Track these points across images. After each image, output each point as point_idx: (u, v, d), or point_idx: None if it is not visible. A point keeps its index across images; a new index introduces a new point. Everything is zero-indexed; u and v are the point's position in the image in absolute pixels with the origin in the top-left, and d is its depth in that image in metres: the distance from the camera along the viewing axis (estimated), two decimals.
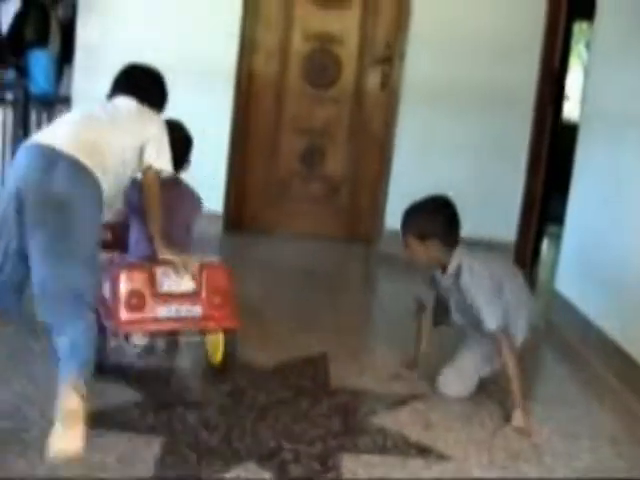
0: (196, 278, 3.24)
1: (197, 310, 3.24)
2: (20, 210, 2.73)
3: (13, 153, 4.72)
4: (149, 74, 3.51)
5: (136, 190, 3.27)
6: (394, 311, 4.75)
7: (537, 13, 5.84)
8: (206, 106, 5.61)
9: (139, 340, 3.34)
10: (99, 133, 3.00)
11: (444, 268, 3.38)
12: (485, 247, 3.95)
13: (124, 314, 3.14)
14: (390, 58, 5.96)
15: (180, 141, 3.43)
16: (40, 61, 6.48)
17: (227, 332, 3.37)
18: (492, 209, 5.91)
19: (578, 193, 4.86)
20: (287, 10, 5.97)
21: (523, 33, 5.83)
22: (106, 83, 5.49)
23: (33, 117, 5.21)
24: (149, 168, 3.12)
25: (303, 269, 5.41)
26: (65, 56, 6.72)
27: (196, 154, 4.92)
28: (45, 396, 2.98)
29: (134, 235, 3.41)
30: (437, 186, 5.73)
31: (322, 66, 6.01)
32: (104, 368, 3.14)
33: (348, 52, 6.01)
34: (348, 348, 3.96)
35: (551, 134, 6.17)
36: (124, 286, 3.13)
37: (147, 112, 3.25)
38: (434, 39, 5.76)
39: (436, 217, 3.35)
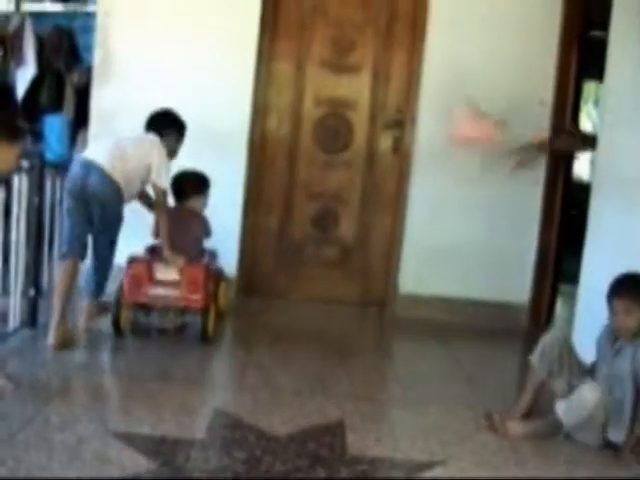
0: (181, 272, 4.74)
1: (177, 293, 4.76)
2: (76, 202, 4.61)
3: (28, 220, 4.74)
4: (162, 113, 4.99)
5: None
6: (410, 375, 4.72)
7: (547, 73, 5.88)
8: (220, 169, 5.60)
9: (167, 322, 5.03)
10: (122, 150, 4.71)
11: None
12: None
13: (128, 290, 4.78)
14: (401, 122, 6.00)
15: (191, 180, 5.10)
16: (55, 126, 6.57)
17: (202, 313, 4.79)
18: (506, 269, 5.90)
19: (592, 254, 4.85)
20: (299, 75, 6.03)
21: (533, 94, 5.86)
22: None
23: (48, 183, 5.23)
24: (154, 185, 4.77)
25: (317, 333, 5.38)
26: (79, 121, 6.79)
27: (210, 217, 5.02)
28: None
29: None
30: (450, 248, 5.83)
31: (334, 130, 6.05)
32: (120, 331, 4.80)
33: (360, 116, 6.05)
34: (365, 414, 3.92)
35: (563, 193, 6.18)
36: (130, 272, 4.78)
37: (154, 142, 4.81)
38: (444, 102, 5.80)
39: None
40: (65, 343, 4.52)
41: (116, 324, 4.81)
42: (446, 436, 3.72)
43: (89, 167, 4.57)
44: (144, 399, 3.91)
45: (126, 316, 4.87)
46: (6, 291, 4.59)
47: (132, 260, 4.85)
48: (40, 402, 3.71)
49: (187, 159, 5.13)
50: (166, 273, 4.76)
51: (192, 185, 5.04)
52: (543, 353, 3.88)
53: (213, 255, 5.18)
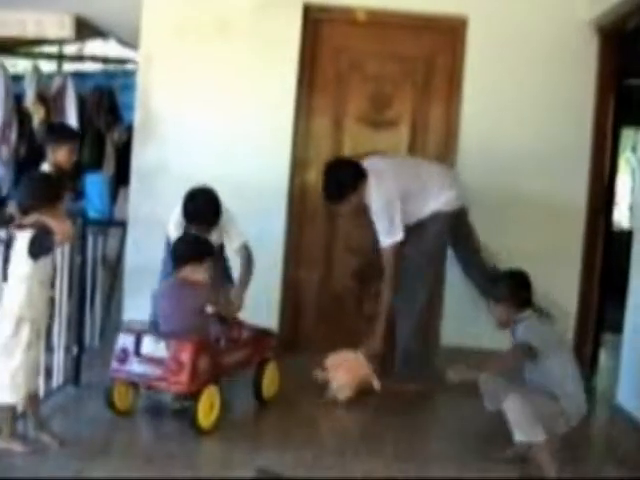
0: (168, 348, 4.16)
1: (157, 372, 4.16)
2: None
3: (71, 278, 4.78)
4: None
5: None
6: (454, 432, 4.66)
7: (584, 121, 5.88)
8: (261, 224, 5.62)
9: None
10: None
11: None
12: None
13: (114, 364, 4.31)
14: None
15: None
16: (96, 184, 6.66)
17: (193, 399, 4.15)
18: None
19: (635, 303, 4.79)
20: (337, 130, 6.07)
21: (571, 142, 5.85)
22: (161, 207, 5.66)
23: (90, 241, 5.29)
24: None
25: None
26: (120, 178, 6.89)
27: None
28: None
29: None
30: None
31: None
32: (115, 409, 4.33)
33: None
34: (409, 473, 3.89)
35: (604, 241, 6.13)
36: (117, 345, 4.31)
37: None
38: (483, 153, 5.80)
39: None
40: None
41: (109, 401, 4.36)
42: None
43: None
44: (186, 458, 3.91)
45: (122, 393, 4.39)
46: (50, 348, 4.62)
47: (124, 330, 4.55)
48: (83, 461, 3.73)
49: None
50: (153, 348, 4.26)
51: (189, 252, 4.56)
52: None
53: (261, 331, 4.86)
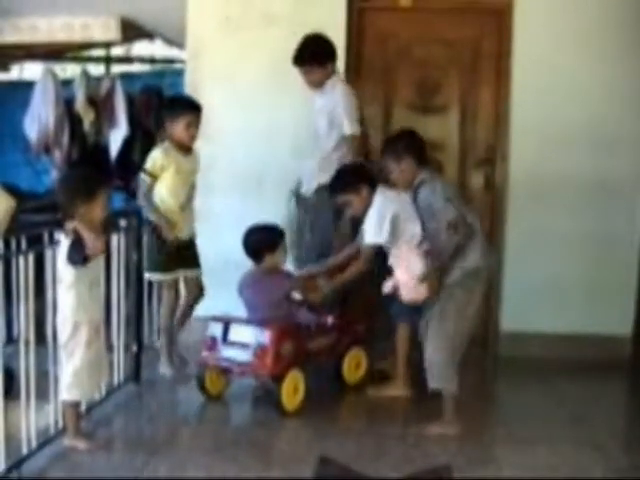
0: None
1: (243, 357, 4.39)
2: None
3: (128, 277, 4.82)
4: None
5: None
6: (515, 415, 4.62)
7: (637, 101, 5.76)
8: None
9: None
10: None
11: None
12: None
13: (204, 352, 4.59)
14: (491, 159, 5.93)
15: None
16: None
17: (276, 382, 4.35)
18: (608, 301, 5.75)
19: None
20: (386, 117, 6.02)
21: (628, 123, 5.74)
22: (214, 202, 5.69)
23: (145, 239, 5.32)
24: None
25: (418, 376, 5.28)
26: None
27: None
28: None
29: None
30: (550, 283, 5.69)
31: None
32: (208, 393, 4.60)
33: (449, 156, 5.97)
34: (471, 456, 3.88)
35: None
36: (207, 332, 4.59)
37: None
38: (537, 135, 5.72)
39: None
40: None
41: (201, 386, 4.64)
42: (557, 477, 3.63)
43: None
44: (249, 448, 3.93)
45: (213, 379, 4.65)
46: (109, 347, 4.66)
47: (213, 319, 4.66)
48: (148, 455, 3.77)
49: (267, 204, 5.18)
50: (239, 334, 4.50)
51: (262, 244, 4.66)
52: None
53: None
